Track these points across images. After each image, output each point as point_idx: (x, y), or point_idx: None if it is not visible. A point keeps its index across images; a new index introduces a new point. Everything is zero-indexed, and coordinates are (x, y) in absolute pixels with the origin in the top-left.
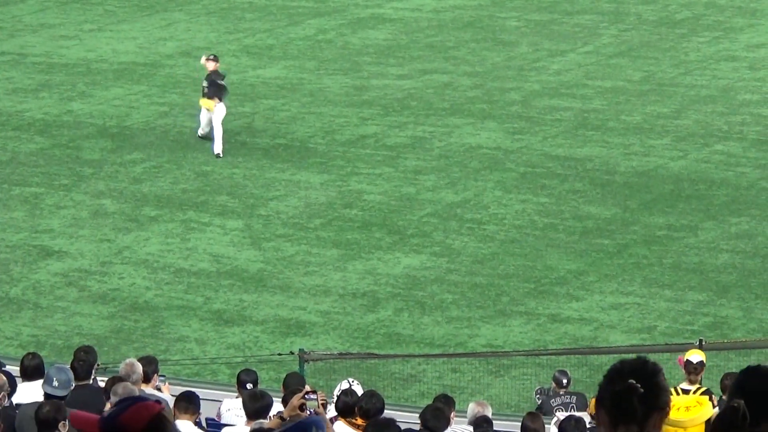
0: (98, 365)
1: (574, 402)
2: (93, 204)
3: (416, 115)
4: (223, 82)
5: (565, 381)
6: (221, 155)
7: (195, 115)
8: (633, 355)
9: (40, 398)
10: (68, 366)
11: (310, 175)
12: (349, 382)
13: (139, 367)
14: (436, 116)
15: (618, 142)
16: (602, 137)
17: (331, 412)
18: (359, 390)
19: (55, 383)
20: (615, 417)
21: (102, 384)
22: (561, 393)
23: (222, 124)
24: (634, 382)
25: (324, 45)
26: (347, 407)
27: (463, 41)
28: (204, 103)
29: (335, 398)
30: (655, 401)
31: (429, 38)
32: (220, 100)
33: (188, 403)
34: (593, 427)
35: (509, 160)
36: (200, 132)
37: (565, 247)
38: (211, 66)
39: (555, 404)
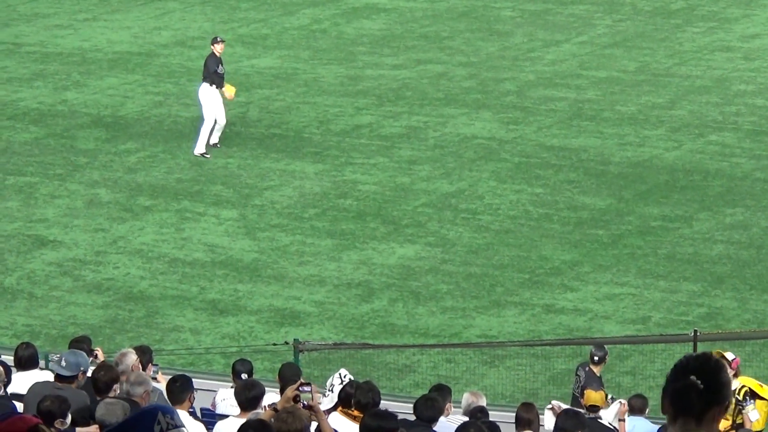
0: (95, 355)
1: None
2: (88, 194)
3: (411, 105)
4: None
5: (596, 358)
6: (210, 156)
7: (190, 105)
8: (629, 346)
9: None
10: (82, 352)
11: (305, 165)
12: (340, 376)
13: (131, 358)
14: (430, 106)
15: (612, 132)
16: (597, 128)
17: (325, 404)
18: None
19: (63, 363)
20: (675, 410)
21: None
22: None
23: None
24: (695, 378)
25: (318, 35)
26: (348, 397)
27: (457, 31)
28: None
29: (328, 389)
30: (715, 397)
31: (424, 28)
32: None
33: (182, 387)
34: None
35: (504, 150)
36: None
37: (559, 237)
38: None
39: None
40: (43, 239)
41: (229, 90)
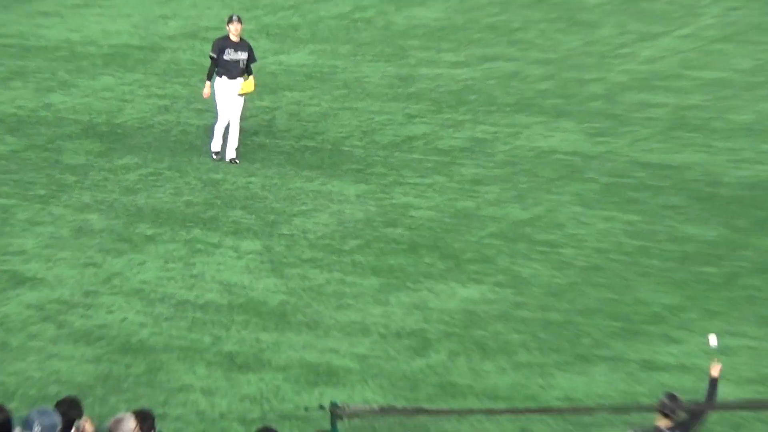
0: (82, 429)
1: None
2: (76, 219)
3: (475, 112)
4: (212, 54)
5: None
6: (218, 156)
7: (203, 111)
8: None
9: None
10: (53, 410)
11: (344, 186)
12: None
13: (129, 426)
14: (499, 113)
15: (724, 146)
16: (704, 140)
17: None
18: None
19: (37, 428)
20: None
21: None
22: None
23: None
24: None
25: (362, 25)
26: None
27: (532, 21)
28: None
29: None
30: None
31: (491, 18)
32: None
33: None
34: None
35: (590, 167)
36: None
37: (659, 276)
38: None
39: None
40: (20, 276)
41: (245, 85)
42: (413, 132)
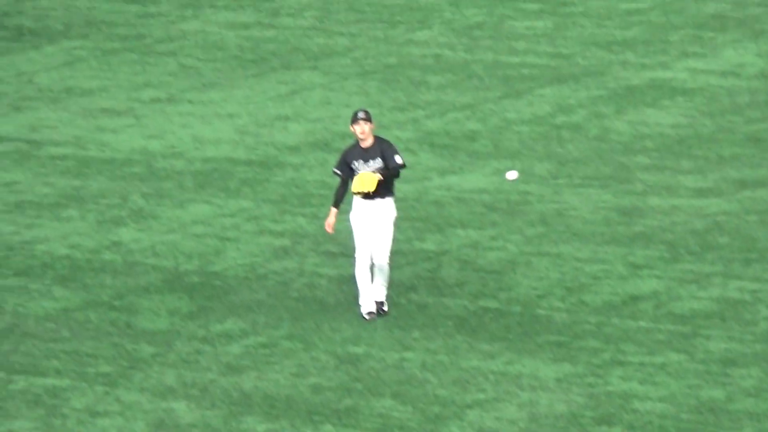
0: None
1: None
2: (155, 409)
3: (727, 262)
4: (335, 169)
5: None
6: (373, 314)
7: (336, 255)
8: None
9: None
10: None
11: (539, 365)
12: None
13: None
14: (762, 264)
15: None
16: None
17: None
18: None
19: None
20: None
21: None
22: None
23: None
24: None
25: (567, 134)
26: None
27: None
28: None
29: None
30: None
31: (751, 125)
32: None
33: None
34: None
35: None
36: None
37: None
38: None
39: None
40: None
41: (359, 181)
42: (639, 289)
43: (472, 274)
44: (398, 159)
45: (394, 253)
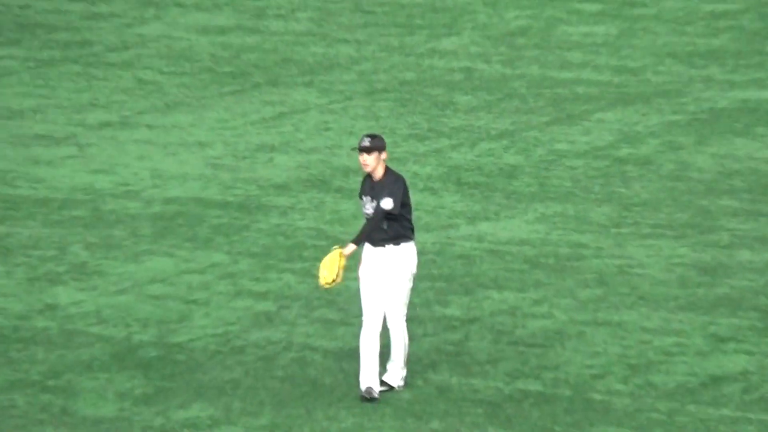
0: None
1: None
2: None
3: None
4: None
5: None
6: (372, 394)
7: (334, 323)
8: None
9: None
10: None
11: None
12: None
13: None
14: None
15: None
16: None
17: None
18: None
19: None
20: None
21: None
22: None
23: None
24: None
25: (632, 169)
26: None
27: None
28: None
29: None
30: None
31: None
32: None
33: None
34: None
35: None
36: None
37: None
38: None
39: None
40: None
41: (324, 264)
42: (723, 368)
43: (508, 349)
44: (385, 203)
45: (409, 321)
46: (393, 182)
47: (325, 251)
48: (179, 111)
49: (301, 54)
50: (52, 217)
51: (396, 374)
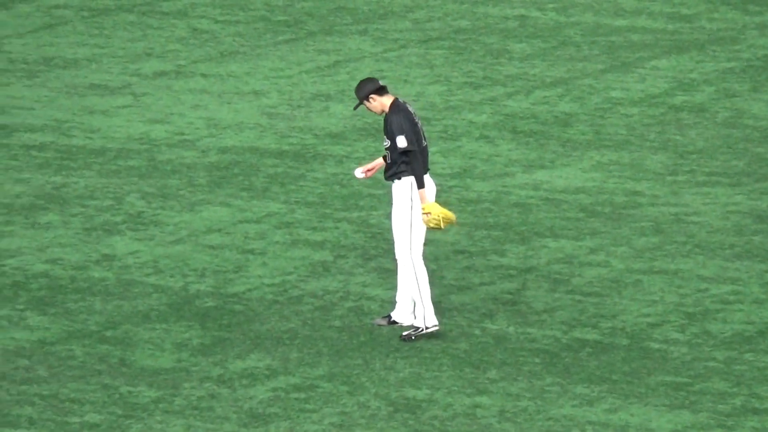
0: None
1: None
2: None
3: None
4: (403, 143)
5: None
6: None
7: (392, 273)
8: None
9: None
10: None
11: (651, 414)
12: None
13: None
14: None
15: None
16: None
17: None
18: None
19: None
20: None
21: None
22: None
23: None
24: None
25: (690, 115)
26: None
27: None
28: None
29: None
30: None
31: None
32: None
33: None
34: None
35: None
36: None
37: None
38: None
39: None
40: None
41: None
42: None
43: (565, 298)
44: (400, 141)
45: (466, 270)
46: (394, 119)
47: (381, 200)
48: (234, 60)
49: (355, 2)
50: (107, 167)
51: (404, 312)
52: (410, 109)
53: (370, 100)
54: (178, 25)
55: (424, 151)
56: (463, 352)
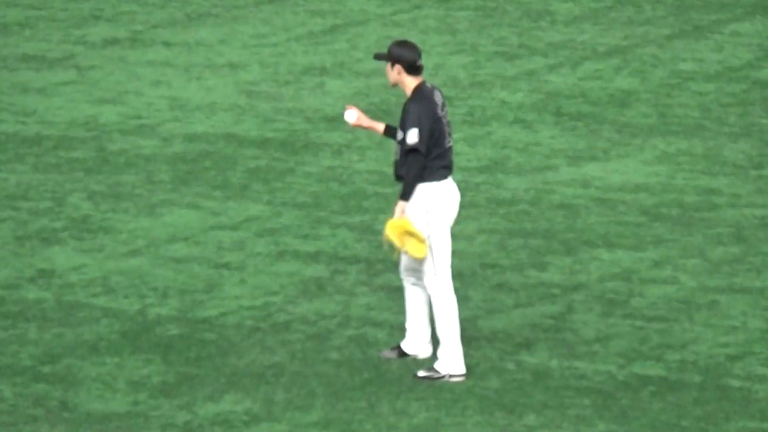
0: None
1: None
2: None
3: None
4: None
5: None
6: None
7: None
8: None
9: None
10: None
11: None
12: None
13: None
14: None
15: None
16: None
17: None
18: None
19: None
20: None
21: None
22: None
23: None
24: None
25: None
26: None
27: None
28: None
29: None
30: None
31: None
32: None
33: None
34: None
35: None
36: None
37: None
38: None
39: None
40: None
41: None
42: None
43: (621, 323)
44: (411, 135)
45: (495, 288)
46: (413, 108)
47: (390, 200)
48: (204, 24)
49: None
50: (45, 159)
51: (418, 342)
52: (437, 98)
53: (395, 68)
54: None
55: (447, 153)
56: (493, 391)
